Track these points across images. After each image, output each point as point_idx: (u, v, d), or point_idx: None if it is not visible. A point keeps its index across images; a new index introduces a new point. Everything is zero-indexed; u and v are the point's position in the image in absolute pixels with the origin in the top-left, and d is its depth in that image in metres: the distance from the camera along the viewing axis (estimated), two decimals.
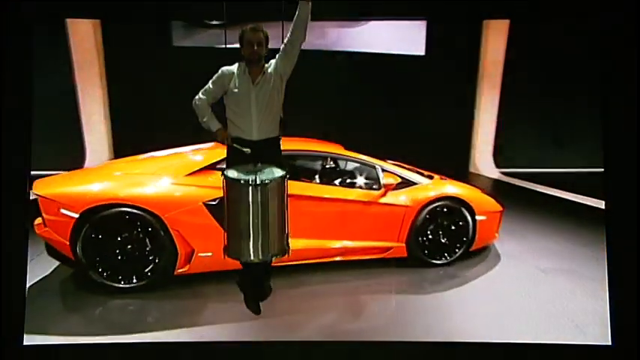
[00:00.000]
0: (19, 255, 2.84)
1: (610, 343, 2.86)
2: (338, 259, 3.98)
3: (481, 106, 9.67)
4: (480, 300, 3.61)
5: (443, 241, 4.18)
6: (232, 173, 2.75)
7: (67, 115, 8.50)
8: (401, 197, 4.07)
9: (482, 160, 9.73)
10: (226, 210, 2.80)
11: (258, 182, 2.66)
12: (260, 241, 2.72)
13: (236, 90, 2.97)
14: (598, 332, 3.06)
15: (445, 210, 4.15)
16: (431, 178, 4.53)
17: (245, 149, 2.93)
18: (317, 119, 8.14)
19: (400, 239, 4.08)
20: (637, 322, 2.78)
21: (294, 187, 3.43)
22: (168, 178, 3.55)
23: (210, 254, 3.48)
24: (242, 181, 2.67)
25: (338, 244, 3.93)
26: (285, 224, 2.86)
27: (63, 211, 3.30)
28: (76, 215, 3.27)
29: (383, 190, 4.03)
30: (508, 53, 9.28)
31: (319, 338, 3.02)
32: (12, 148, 2.84)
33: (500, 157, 9.69)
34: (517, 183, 8.55)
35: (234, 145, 2.97)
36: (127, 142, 6.56)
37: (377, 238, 4.05)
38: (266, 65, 3.02)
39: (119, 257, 3.38)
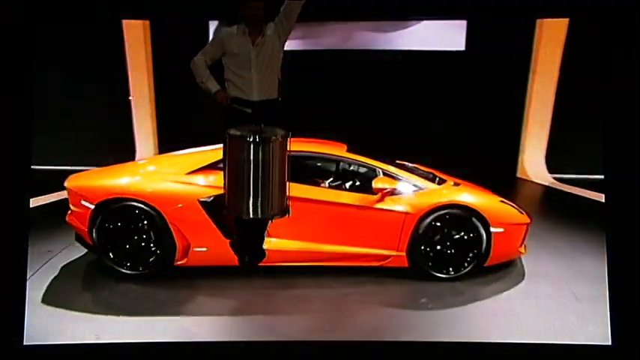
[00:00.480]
0: (20, 255, 2.85)
1: (610, 343, 2.85)
2: (333, 264, 3.86)
3: (532, 104, 8.72)
4: (482, 301, 3.60)
5: (449, 253, 3.83)
6: (235, 131, 2.79)
7: (121, 115, 8.94)
8: (400, 203, 3.81)
9: (532, 164, 8.78)
10: (228, 168, 2.87)
11: (261, 139, 2.70)
12: (260, 198, 2.78)
13: (236, 51, 3.03)
14: (598, 332, 3.02)
15: (452, 219, 3.81)
16: (442, 182, 4.23)
17: (246, 109, 2.97)
18: (352, 120, 7.85)
19: (400, 248, 3.83)
20: (637, 322, 2.77)
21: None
22: (171, 176, 3.79)
23: (204, 249, 3.71)
24: (246, 138, 2.71)
25: (333, 248, 3.83)
26: (285, 184, 2.90)
27: (83, 202, 3.73)
28: (92, 206, 3.67)
29: (379, 194, 3.80)
30: (566, 52, 8.35)
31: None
32: (13, 148, 2.84)
33: (554, 161, 8.74)
34: (573, 191, 7.58)
35: (235, 105, 3.01)
36: (171, 142, 6.72)
37: (374, 246, 3.85)
38: (265, 27, 3.06)
39: (127, 246, 3.68)
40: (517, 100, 8.90)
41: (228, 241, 3.56)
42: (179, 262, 3.74)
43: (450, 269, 3.85)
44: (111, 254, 3.71)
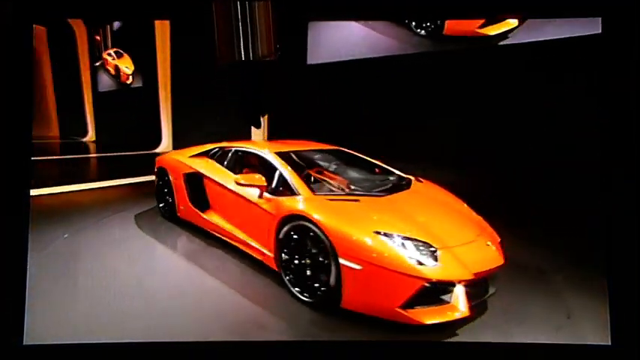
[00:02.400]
0: (20, 255, 2.85)
1: (610, 343, 2.86)
2: (237, 245, 4.13)
3: None
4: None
5: (306, 272, 3.27)
6: None
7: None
8: (270, 203, 3.67)
9: None
10: (215, 17, 2.96)
11: None
12: (250, 39, 2.91)
13: None
14: (598, 332, 3.02)
15: (305, 233, 3.27)
16: (403, 183, 4.08)
17: None
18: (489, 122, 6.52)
19: (270, 249, 3.59)
20: (637, 322, 2.78)
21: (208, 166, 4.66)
22: (182, 157, 5.16)
23: (183, 208, 4.93)
24: None
25: (232, 229, 4.18)
26: (271, 27, 2.99)
27: (156, 168, 5.44)
28: (156, 169, 5.43)
29: (261, 190, 3.76)
30: None
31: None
32: (13, 147, 2.84)
33: None
34: None
35: None
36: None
37: (255, 238, 3.84)
38: None
39: (166, 197, 5.23)
40: None
41: (192, 207, 4.66)
42: (178, 214, 5.02)
43: (305, 292, 3.28)
44: (158, 200, 5.40)
